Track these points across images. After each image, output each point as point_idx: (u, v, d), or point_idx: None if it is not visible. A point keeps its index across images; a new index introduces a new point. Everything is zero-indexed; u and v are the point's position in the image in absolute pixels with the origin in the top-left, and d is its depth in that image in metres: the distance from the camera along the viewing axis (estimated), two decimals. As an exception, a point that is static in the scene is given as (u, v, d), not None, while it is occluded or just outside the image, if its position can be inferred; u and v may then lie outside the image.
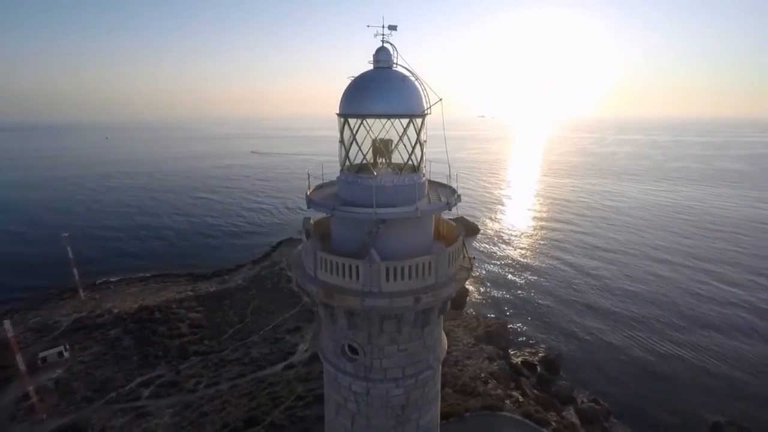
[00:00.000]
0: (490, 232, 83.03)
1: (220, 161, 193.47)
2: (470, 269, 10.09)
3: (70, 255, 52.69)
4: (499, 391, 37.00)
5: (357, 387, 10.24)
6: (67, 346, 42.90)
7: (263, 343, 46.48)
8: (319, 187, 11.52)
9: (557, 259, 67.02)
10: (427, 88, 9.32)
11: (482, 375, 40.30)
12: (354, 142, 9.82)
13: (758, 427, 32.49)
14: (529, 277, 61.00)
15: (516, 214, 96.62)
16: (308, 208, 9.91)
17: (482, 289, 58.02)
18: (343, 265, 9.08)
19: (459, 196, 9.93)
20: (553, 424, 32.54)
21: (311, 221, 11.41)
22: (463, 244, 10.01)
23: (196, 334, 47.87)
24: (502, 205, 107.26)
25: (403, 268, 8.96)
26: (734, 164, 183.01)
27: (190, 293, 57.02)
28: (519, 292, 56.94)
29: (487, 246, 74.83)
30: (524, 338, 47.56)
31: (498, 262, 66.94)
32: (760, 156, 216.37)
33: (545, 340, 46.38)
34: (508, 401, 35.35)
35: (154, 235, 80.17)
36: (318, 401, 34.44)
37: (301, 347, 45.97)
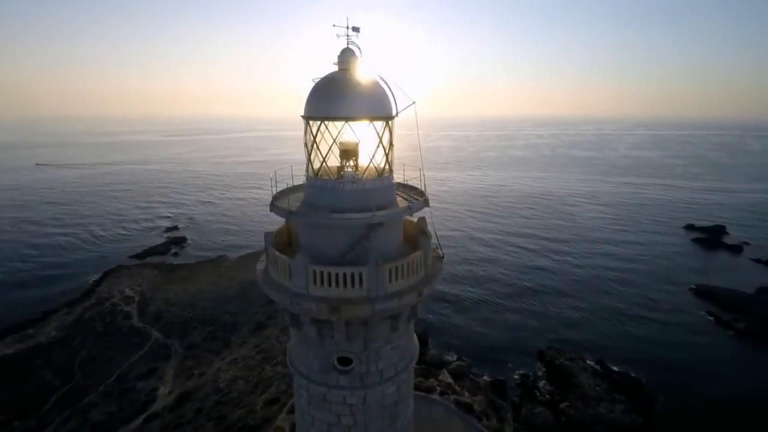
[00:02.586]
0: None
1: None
2: (442, 258, 10.91)
3: None
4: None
5: (353, 398, 9.90)
6: None
7: (107, 401, 37.65)
8: (276, 198, 10.44)
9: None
10: (394, 90, 9.64)
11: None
12: (334, 144, 9.39)
13: (567, 346, 43.48)
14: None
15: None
16: (288, 220, 9.01)
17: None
18: (344, 274, 8.70)
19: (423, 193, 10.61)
20: (437, 388, 36.66)
21: (273, 235, 10.30)
22: (436, 236, 10.72)
23: (-3, 416, 35.53)
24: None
25: (403, 267, 9.16)
26: (521, 152, 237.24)
27: (-28, 364, 41.71)
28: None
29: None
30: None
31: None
32: (534, 145, 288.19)
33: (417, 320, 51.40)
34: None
35: None
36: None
37: (162, 390, 39.18)
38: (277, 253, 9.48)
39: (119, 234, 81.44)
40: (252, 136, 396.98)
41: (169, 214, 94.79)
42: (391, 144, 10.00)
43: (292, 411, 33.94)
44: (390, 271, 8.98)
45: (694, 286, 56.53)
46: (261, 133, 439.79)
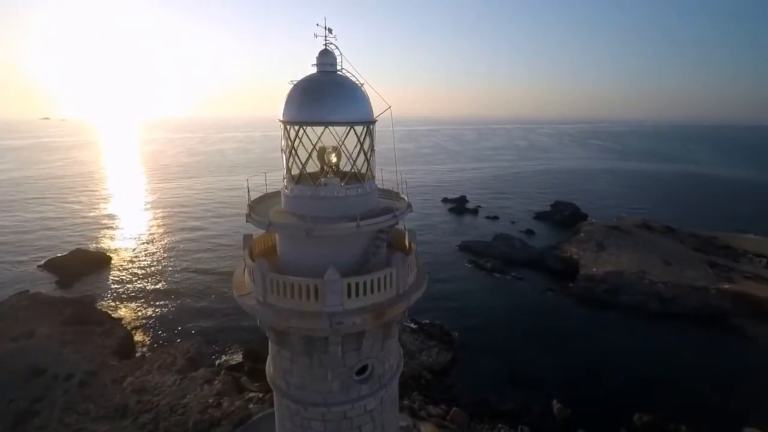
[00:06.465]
0: (116, 258, 69.39)
1: None
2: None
3: None
4: (237, 402, 36.16)
5: (372, 404, 9.76)
6: None
7: None
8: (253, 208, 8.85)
9: (192, 270, 64.00)
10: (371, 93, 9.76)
11: (211, 401, 37.39)
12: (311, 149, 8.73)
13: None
14: (179, 291, 56.57)
15: (136, 231, 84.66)
16: (310, 236, 8.01)
17: (148, 327, 50.14)
18: (379, 279, 8.56)
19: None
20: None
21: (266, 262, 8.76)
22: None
23: None
24: (114, 225, 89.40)
25: (413, 260, 9.63)
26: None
27: None
28: (179, 308, 53.20)
29: (118, 274, 63.10)
30: (218, 346, 46.38)
31: (139, 288, 58.44)
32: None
33: (235, 340, 46.46)
34: (250, 405, 35.59)
35: None
36: None
37: None
38: (293, 277, 8.25)
39: None
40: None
41: None
42: (372, 148, 10.10)
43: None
44: (409, 266, 9.39)
45: (458, 244, 73.82)
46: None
